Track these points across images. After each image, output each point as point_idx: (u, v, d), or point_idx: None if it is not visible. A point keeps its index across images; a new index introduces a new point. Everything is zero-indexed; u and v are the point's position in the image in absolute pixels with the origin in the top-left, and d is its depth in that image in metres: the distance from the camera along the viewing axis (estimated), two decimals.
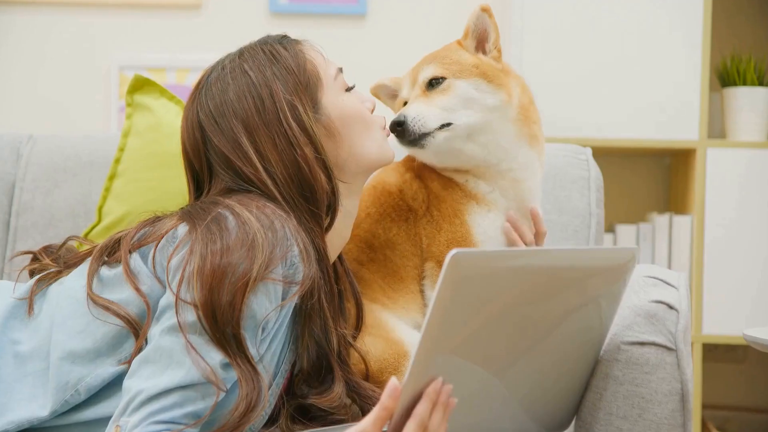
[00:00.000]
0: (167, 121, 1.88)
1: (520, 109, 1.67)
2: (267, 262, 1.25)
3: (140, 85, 1.93)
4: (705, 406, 3.15)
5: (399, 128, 1.58)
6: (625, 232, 2.98)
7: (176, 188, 1.81)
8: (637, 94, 2.90)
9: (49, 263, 1.48)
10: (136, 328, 1.30)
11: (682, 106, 2.89)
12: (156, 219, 1.41)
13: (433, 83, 1.63)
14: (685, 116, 2.89)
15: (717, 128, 3.10)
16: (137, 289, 1.31)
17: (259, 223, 1.28)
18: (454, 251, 1.08)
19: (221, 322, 1.22)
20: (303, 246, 1.30)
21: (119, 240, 1.40)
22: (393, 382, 1.13)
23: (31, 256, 1.54)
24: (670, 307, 1.43)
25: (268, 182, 1.37)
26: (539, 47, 2.89)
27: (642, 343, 1.40)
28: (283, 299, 1.29)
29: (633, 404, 1.39)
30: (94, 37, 3.20)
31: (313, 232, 1.37)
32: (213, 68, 1.46)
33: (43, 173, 2.01)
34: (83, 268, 1.40)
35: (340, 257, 1.55)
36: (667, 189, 3.25)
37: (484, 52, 1.69)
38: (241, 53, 1.45)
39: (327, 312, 1.37)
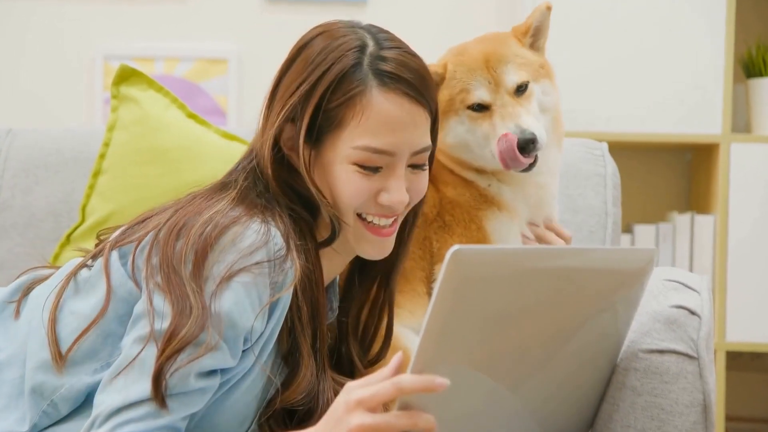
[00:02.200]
0: (155, 114, 1.88)
1: (556, 108, 1.69)
2: (233, 259, 1.26)
3: (126, 75, 1.93)
4: (728, 418, 3.14)
5: (532, 145, 1.56)
6: (644, 233, 2.98)
7: (165, 186, 1.81)
8: (656, 86, 2.90)
9: (49, 266, 1.49)
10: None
11: (705, 98, 2.88)
12: (149, 215, 1.41)
13: (519, 88, 1.62)
14: (708, 109, 2.88)
15: (741, 122, 3.09)
16: (108, 291, 1.32)
17: (229, 220, 1.29)
18: (455, 247, 1.07)
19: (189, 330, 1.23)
20: (287, 240, 1.31)
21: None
22: (397, 357, 1.14)
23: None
24: (692, 313, 1.43)
25: (268, 155, 1.37)
26: (552, 36, 2.88)
27: (661, 351, 1.40)
28: (270, 309, 1.29)
29: (652, 416, 1.39)
30: (78, 24, 3.20)
31: (302, 220, 1.37)
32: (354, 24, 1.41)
33: (23, 170, 2.01)
34: (64, 270, 1.41)
35: (389, 282, 1.52)
36: (688, 187, 3.25)
37: (535, 50, 1.69)
38: (335, 39, 1.36)
39: (304, 305, 1.35)
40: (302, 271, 1.32)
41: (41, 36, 3.21)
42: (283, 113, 1.36)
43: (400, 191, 1.36)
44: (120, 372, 1.23)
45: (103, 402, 1.22)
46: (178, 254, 1.26)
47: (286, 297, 1.31)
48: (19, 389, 1.34)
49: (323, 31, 1.38)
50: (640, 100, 2.90)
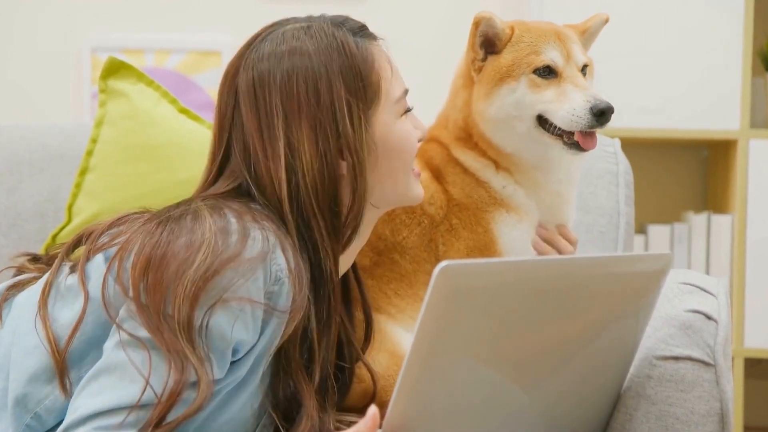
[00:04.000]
0: (145, 109, 1.88)
1: None
2: (229, 283, 1.24)
3: (115, 68, 1.93)
4: (747, 428, 3.14)
5: (611, 114, 1.59)
6: (658, 234, 2.98)
7: (155, 184, 1.81)
8: (670, 79, 2.90)
9: (30, 268, 1.49)
10: (58, 362, 1.30)
11: (722, 92, 2.88)
12: (128, 216, 1.41)
13: (584, 69, 1.65)
14: (725, 103, 2.88)
15: (760, 117, 3.09)
16: (85, 296, 1.32)
17: (227, 228, 1.27)
18: (444, 263, 1.06)
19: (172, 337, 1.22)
20: (293, 266, 1.30)
21: (81, 237, 1.41)
22: (372, 410, 1.15)
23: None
24: (708, 318, 1.42)
25: (283, 183, 1.34)
26: None
27: (677, 358, 1.40)
28: (264, 322, 1.29)
29: (667, 426, 1.39)
30: (64, 15, 3.20)
31: (325, 252, 1.36)
32: (271, 29, 1.42)
33: (7, 167, 2.01)
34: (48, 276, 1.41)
35: (353, 265, 1.55)
36: (704, 185, 3.24)
37: None
38: (308, 27, 1.40)
39: (316, 344, 1.35)
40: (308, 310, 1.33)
41: (26, 27, 3.21)
42: (317, 133, 1.36)
43: (420, 122, 1.51)
44: (100, 375, 1.23)
45: (80, 406, 1.22)
46: (171, 299, 1.23)
47: (281, 312, 1.30)
48: (2, 402, 1.33)
49: (278, 45, 1.39)
50: (654, 94, 2.90)
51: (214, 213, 1.30)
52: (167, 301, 1.23)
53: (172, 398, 1.20)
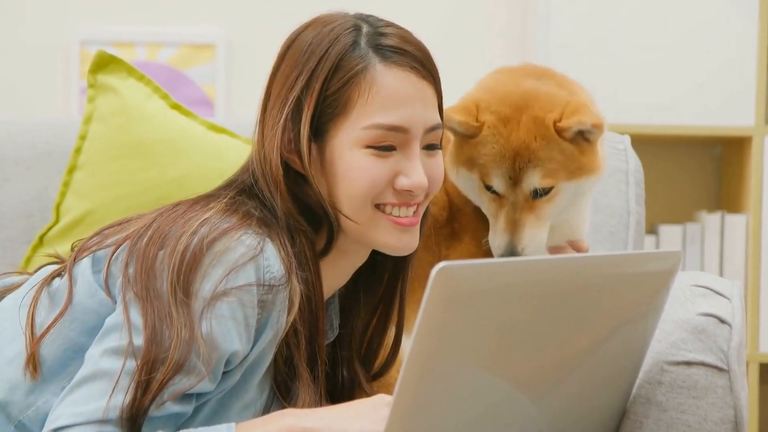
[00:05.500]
0: (135, 105, 1.88)
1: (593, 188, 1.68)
2: (220, 277, 1.25)
3: (104, 62, 1.93)
4: None
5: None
6: (670, 234, 2.98)
7: (146, 182, 1.81)
8: (682, 73, 2.89)
9: (20, 272, 1.49)
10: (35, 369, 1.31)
11: (736, 87, 2.88)
12: (127, 219, 1.41)
13: (539, 192, 1.60)
14: (739, 99, 2.88)
15: None
16: (69, 295, 1.32)
17: (218, 233, 1.27)
18: (442, 264, 1.05)
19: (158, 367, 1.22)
20: (287, 265, 1.30)
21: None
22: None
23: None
24: (722, 321, 1.42)
25: (254, 162, 1.38)
26: (568, 20, 2.88)
27: (689, 363, 1.40)
28: (258, 332, 1.29)
29: None
30: (52, 6, 3.20)
31: (303, 235, 1.36)
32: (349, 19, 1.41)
33: None
34: (35, 279, 1.40)
35: (403, 266, 1.51)
36: (717, 183, 3.24)
37: (587, 143, 1.64)
38: (329, 19, 1.39)
39: (301, 328, 1.34)
40: (300, 296, 1.31)
41: (12, 19, 3.20)
42: (286, 109, 1.35)
43: (418, 172, 1.36)
44: (85, 384, 1.22)
45: (61, 415, 1.21)
46: (159, 270, 1.25)
47: (276, 319, 1.30)
48: None
49: (311, 23, 1.40)
50: (666, 88, 2.90)
51: (222, 213, 1.31)
52: (157, 277, 1.25)
53: (154, 366, 1.21)
